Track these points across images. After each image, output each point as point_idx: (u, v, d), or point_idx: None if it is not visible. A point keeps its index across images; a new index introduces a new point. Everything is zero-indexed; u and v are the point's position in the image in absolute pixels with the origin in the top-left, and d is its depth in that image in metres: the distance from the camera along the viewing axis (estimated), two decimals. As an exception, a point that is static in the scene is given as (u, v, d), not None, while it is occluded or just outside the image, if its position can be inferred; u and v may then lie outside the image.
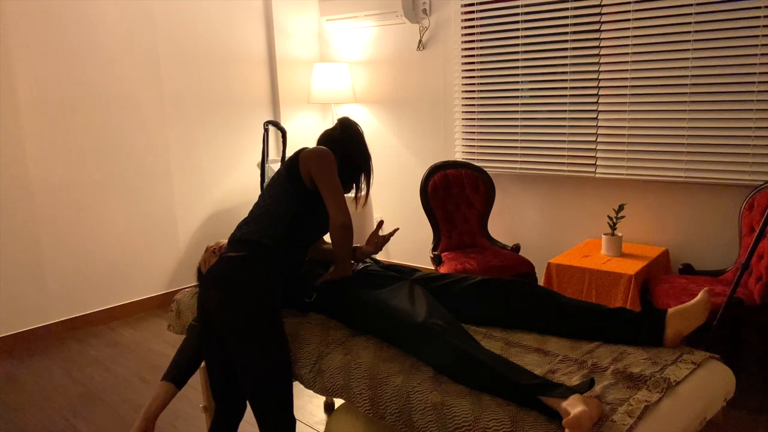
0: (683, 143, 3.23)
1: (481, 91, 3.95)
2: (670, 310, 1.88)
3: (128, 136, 3.90)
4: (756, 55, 2.96)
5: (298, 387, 2.06)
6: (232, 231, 2.20)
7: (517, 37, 3.73)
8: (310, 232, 2.15)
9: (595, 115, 3.50)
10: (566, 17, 3.52)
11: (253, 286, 1.96)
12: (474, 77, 3.98)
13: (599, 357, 1.82)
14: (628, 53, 3.33)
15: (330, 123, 4.89)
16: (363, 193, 2.30)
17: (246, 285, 1.95)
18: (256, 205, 2.17)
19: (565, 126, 3.62)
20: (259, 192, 4.51)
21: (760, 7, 2.92)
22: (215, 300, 1.96)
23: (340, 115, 4.78)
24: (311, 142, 4.90)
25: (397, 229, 2.47)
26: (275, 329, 1.96)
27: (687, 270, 3.09)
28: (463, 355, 1.70)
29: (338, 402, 2.72)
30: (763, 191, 2.90)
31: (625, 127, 3.41)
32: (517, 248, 3.57)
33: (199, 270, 2.44)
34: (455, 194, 3.71)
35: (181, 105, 4.13)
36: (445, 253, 3.51)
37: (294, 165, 2.09)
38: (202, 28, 4.18)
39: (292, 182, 2.08)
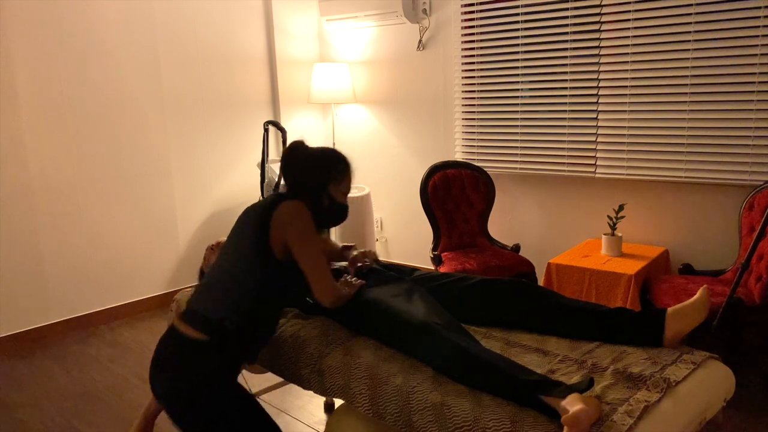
0: (683, 143, 3.23)
1: (481, 91, 3.95)
2: (670, 310, 1.88)
3: (128, 136, 3.90)
4: (756, 55, 2.96)
5: (298, 387, 2.06)
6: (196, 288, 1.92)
7: (517, 37, 3.73)
8: (279, 307, 1.94)
9: (595, 115, 3.50)
10: (566, 17, 3.52)
11: (207, 381, 1.75)
12: (474, 77, 3.97)
13: (599, 357, 1.82)
14: (628, 53, 3.33)
15: (330, 123, 4.89)
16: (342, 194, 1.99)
17: (198, 378, 1.74)
18: (218, 264, 1.88)
19: (565, 126, 3.62)
20: (259, 192, 4.51)
21: (760, 7, 2.92)
22: (163, 387, 1.77)
23: (339, 114, 4.79)
24: (311, 142, 4.88)
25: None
26: (226, 423, 1.77)
27: (687, 270, 3.09)
28: (462, 353, 1.70)
29: (338, 402, 2.72)
30: (763, 191, 2.90)
31: (625, 127, 3.40)
32: (517, 248, 3.57)
33: (201, 270, 2.43)
34: (455, 194, 3.71)
35: (181, 105, 4.13)
36: (445, 253, 3.51)
37: (264, 230, 1.79)
38: (202, 28, 4.18)
39: (260, 251, 1.79)
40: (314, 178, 1.93)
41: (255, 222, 1.82)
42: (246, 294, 1.79)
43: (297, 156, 1.97)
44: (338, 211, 1.99)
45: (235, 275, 1.81)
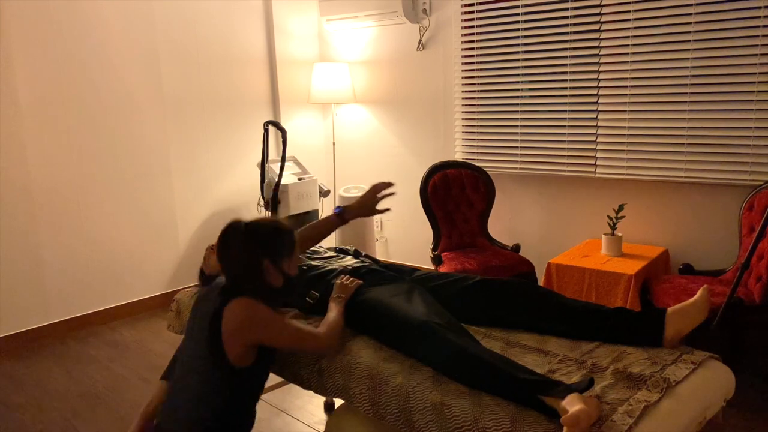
0: (683, 143, 3.23)
1: (481, 91, 3.95)
2: (670, 310, 1.88)
3: (128, 136, 3.90)
4: (756, 55, 2.96)
5: (298, 387, 2.06)
6: (162, 409, 1.78)
7: (517, 37, 3.73)
8: (251, 406, 1.80)
9: (595, 115, 3.50)
10: (566, 17, 3.51)
11: None
12: (474, 77, 3.97)
13: (599, 357, 1.82)
14: (628, 53, 3.33)
15: (330, 123, 4.89)
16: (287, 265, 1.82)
17: None
18: (178, 376, 1.74)
19: (565, 126, 3.62)
20: (259, 192, 4.51)
21: (760, 7, 2.92)
22: None
23: (339, 115, 4.79)
24: (311, 142, 4.90)
25: (391, 186, 2.26)
26: None
27: (687, 270, 3.09)
28: (461, 353, 1.70)
29: (338, 402, 2.72)
30: (763, 191, 2.90)
31: (625, 127, 3.40)
32: (517, 248, 3.57)
33: (201, 270, 2.43)
34: (455, 194, 3.71)
35: (181, 105, 4.13)
36: (445, 253, 3.51)
37: (215, 343, 1.64)
38: (202, 28, 4.18)
39: (216, 366, 1.66)
40: (265, 260, 1.73)
41: (205, 336, 1.68)
42: (209, 410, 1.67)
43: (239, 239, 1.72)
44: (292, 286, 1.85)
45: (196, 392, 1.68)
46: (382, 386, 1.75)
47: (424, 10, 4.17)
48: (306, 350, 1.80)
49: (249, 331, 1.66)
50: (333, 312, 1.98)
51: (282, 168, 3.94)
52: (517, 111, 3.80)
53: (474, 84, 3.98)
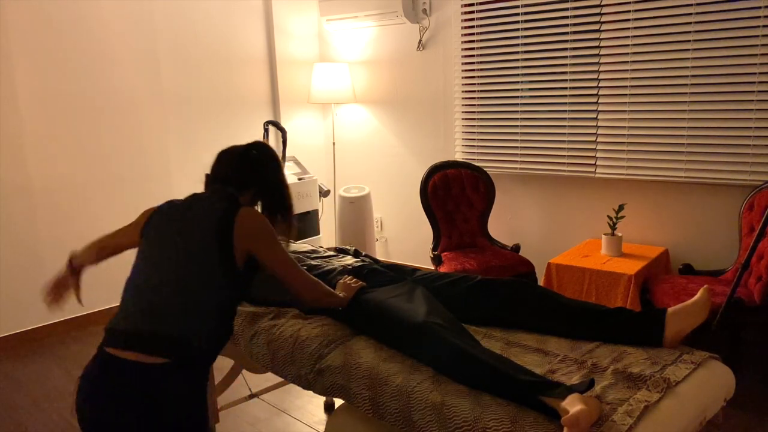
0: (683, 143, 3.23)
1: (481, 91, 3.95)
2: (670, 310, 1.88)
3: (128, 136, 3.90)
4: (756, 55, 2.96)
5: (298, 387, 2.06)
6: (125, 308, 1.63)
7: (517, 37, 3.73)
8: (232, 322, 1.77)
9: (595, 115, 3.50)
10: (566, 17, 3.52)
11: (188, 410, 1.55)
12: (474, 77, 3.98)
13: (599, 357, 1.82)
14: (628, 53, 3.33)
15: (330, 123, 4.89)
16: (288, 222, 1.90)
17: (179, 408, 1.52)
18: (162, 279, 1.62)
19: (565, 126, 3.62)
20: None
21: (760, 7, 2.92)
22: (129, 426, 1.47)
23: (339, 114, 4.79)
24: (311, 142, 4.90)
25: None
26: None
27: (687, 270, 3.09)
28: (462, 353, 1.70)
29: (338, 402, 2.72)
30: (763, 191, 2.90)
31: (625, 127, 3.41)
32: (517, 248, 3.57)
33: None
34: (455, 194, 3.71)
35: (181, 105, 4.13)
36: (445, 253, 3.51)
37: (226, 241, 1.64)
38: (202, 28, 4.18)
39: (225, 264, 1.63)
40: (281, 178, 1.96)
41: (211, 233, 1.65)
42: (210, 310, 1.62)
43: (273, 159, 1.98)
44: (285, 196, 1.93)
45: (194, 291, 1.60)
46: (382, 386, 1.75)
47: (424, 10, 4.17)
48: (292, 285, 1.76)
49: (257, 239, 1.68)
50: (344, 290, 2.02)
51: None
52: (517, 111, 3.80)
53: (474, 84, 3.98)
